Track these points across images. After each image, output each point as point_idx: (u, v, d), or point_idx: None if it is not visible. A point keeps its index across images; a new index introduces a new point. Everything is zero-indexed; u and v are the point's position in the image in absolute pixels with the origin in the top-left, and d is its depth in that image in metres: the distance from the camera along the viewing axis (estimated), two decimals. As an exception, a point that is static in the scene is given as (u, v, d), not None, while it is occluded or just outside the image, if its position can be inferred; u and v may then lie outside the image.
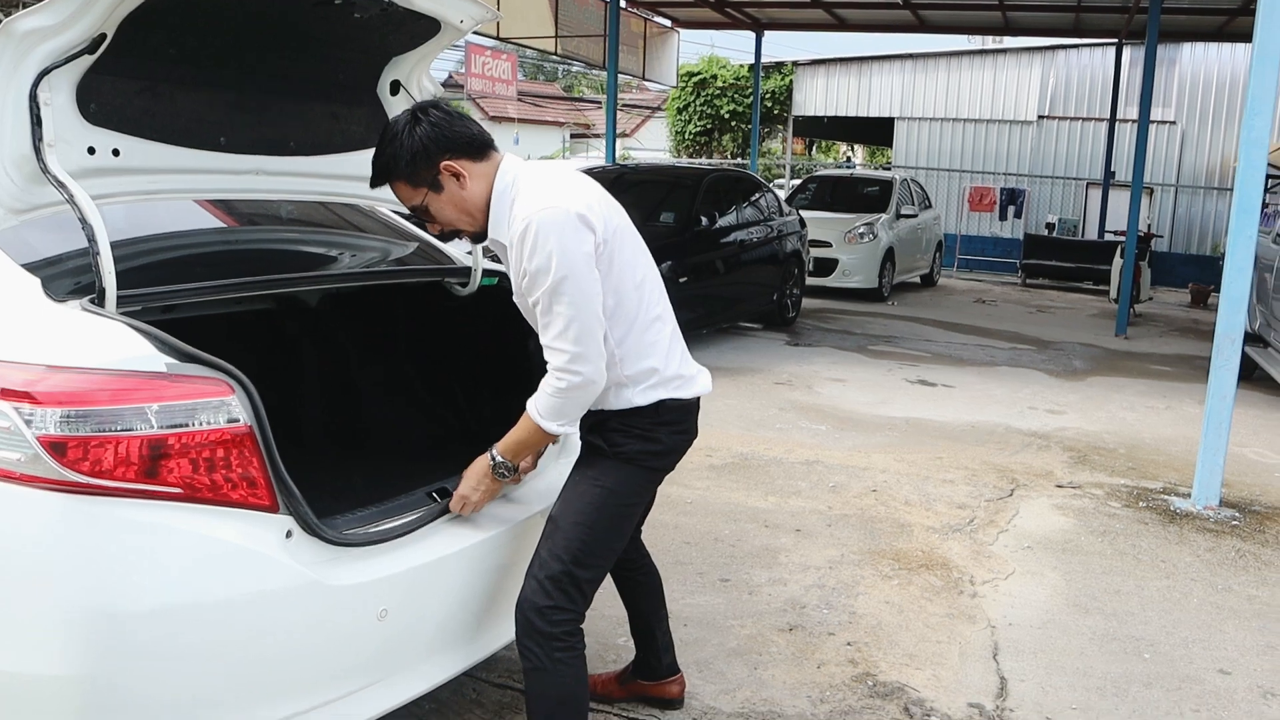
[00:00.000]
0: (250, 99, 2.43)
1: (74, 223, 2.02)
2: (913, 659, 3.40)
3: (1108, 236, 16.44)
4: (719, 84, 23.16)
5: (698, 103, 23.24)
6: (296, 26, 2.36)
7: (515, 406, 2.70)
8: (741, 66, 23.13)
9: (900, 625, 3.65)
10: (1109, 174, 17.10)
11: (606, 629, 3.34)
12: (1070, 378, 8.81)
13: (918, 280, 15.61)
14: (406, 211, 2.87)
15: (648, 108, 35.12)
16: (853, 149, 31.27)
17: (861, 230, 13.18)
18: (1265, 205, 16.24)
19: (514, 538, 2.40)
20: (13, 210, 1.98)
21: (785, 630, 3.55)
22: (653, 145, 25.74)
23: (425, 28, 2.51)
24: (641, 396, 2.27)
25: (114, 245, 2.28)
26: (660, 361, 2.29)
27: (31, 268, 1.99)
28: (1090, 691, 3.26)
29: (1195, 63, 17.97)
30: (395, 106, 2.78)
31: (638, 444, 2.29)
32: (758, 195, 10.62)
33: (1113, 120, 16.91)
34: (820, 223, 12.67)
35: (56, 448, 1.68)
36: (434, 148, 2.16)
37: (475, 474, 2.35)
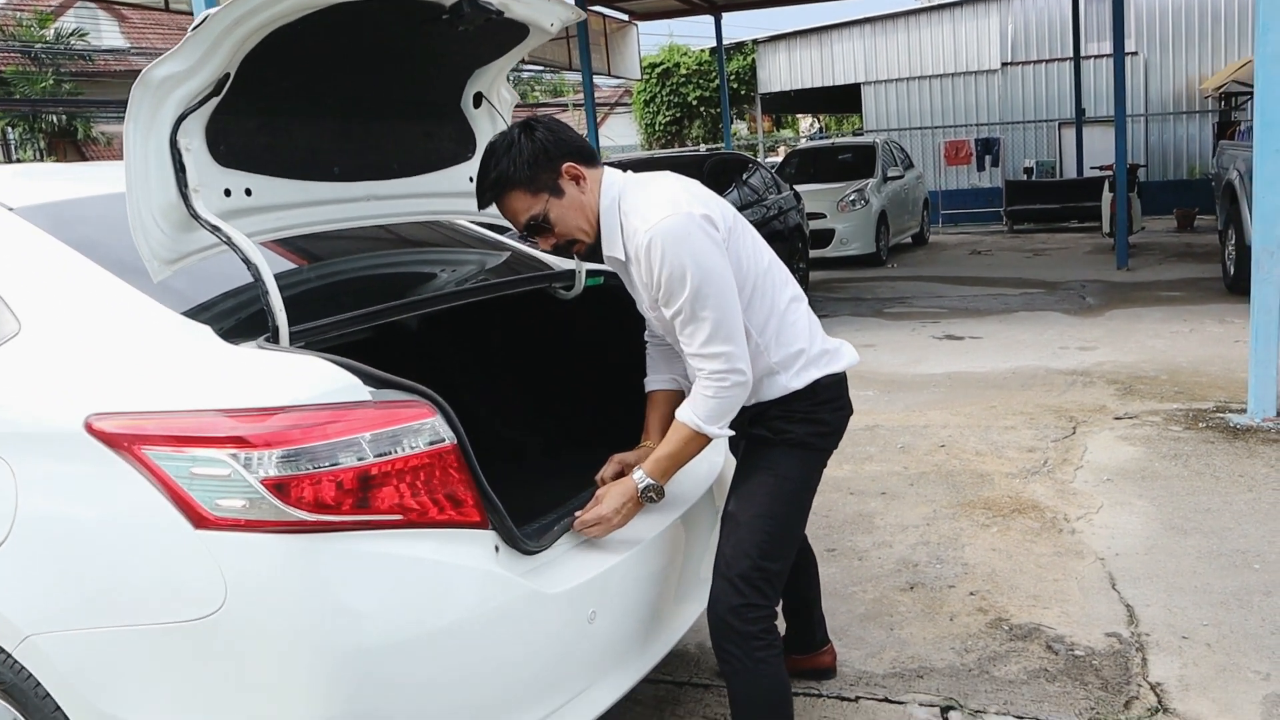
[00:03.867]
0: (354, 125, 2.43)
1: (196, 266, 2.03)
2: (1037, 599, 3.44)
3: (1091, 173, 16.53)
4: (683, 72, 23.19)
5: (664, 93, 23.27)
6: (392, 47, 2.36)
7: (624, 405, 2.71)
8: (703, 51, 23.16)
9: (1014, 569, 3.68)
10: (1080, 111, 17.21)
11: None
12: (1088, 314, 8.88)
13: (910, 240, 15.69)
14: (506, 225, 2.89)
15: (604, 104, 35.08)
16: (818, 119, 31.35)
17: (853, 197, 13.23)
18: (1238, 124, 16.43)
19: (687, 524, 2.40)
20: (165, 261, 1.97)
21: (906, 589, 3.58)
22: (622, 140, 25.76)
23: (513, 34, 2.51)
24: (796, 380, 2.27)
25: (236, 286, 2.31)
26: (805, 341, 2.30)
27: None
28: (1215, 607, 3.30)
29: (1149, -8, 18.13)
30: (479, 119, 2.79)
31: (803, 427, 2.29)
32: (754, 174, 10.65)
33: (1077, 58, 17.01)
34: (811, 195, 12.68)
35: (279, 489, 1.67)
36: (555, 150, 2.15)
37: (619, 495, 2.21)
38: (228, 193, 2.08)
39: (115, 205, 2.41)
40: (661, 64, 23.44)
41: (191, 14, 10.38)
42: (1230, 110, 17.57)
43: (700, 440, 2.22)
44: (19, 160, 20.73)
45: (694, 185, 2.25)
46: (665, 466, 2.24)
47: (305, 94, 2.26)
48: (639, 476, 2.22)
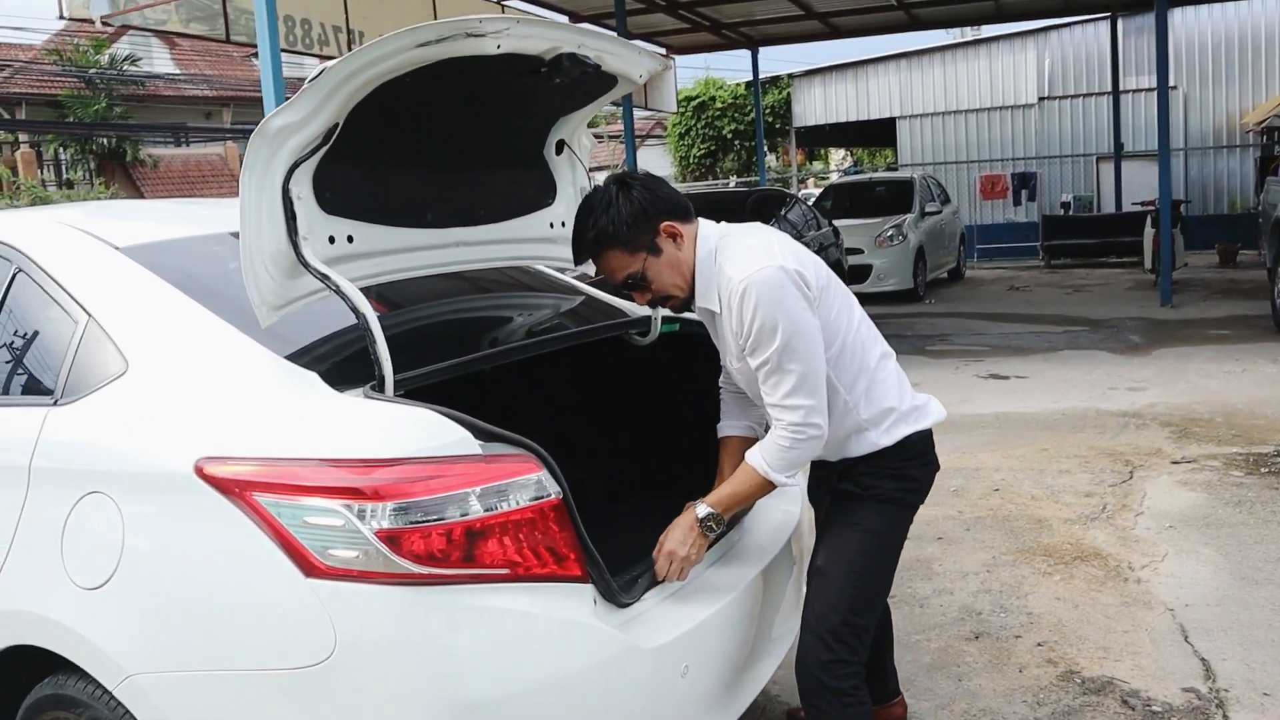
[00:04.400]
0: (447, 173, 2.46)
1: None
2: (1107, 651, 3.39)
3: (1131, 208, 16.43)
4: (718, 105, 23.30)
5: (699, 126, 23.38)
6: (486, 98, 2.39)
7: (694, 453, 2.71)
8: (739, 85, 23.28)
9: (1080, 619, 3.63)
10: (1119, 146, 17.14)
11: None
12: (1135, 353, 8.80)
13: (946, 275, 15.63)
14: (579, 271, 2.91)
15: (637, 135, 35.27)
16: (851, 153, 31.40)
17: (890, 233, 13.22)
18: (1280, 159, 16.30)
19: (766, 577, 2.39)
20: (273, 307, 2.00)
21: (972, 639, 3.54)
22: (656, 173, 25.85)
23: (601, 84, 2.54)
24: (885, 437, 2.27)
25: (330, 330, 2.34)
26: (895, 399, 2.30)
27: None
28: (1294, 663, 3.24)
29: (1188, 27, 18.08)
30: (560, 166, 2.82)
31: (892, 483, 2.29)
32: (793, 209, 10.68)
33: (1115, 92, 16.98)
34: (849, 230, 12.69)
35: (391, 541, 1.69)
36: (653, 210, 2.18)
37: (682, 529, 2.20)
38: (331, 240, 2.12)
39: (212, 246, 2.48)
40: (697, 97, 23.57)
41: (251, 45, 10.58)
42: (1273, 145, 17.42)
43: (765, 486, 2.23)
44: (69, 180, 21.10)
45: (788, 240, 2.27)
46: (728, 503, 2.24)
47: (404, 143, 2.29)
48: (700, 508, 2.22)
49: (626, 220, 2.16)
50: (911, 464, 2.31)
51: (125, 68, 22.26)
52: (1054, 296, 13.31)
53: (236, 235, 2.48)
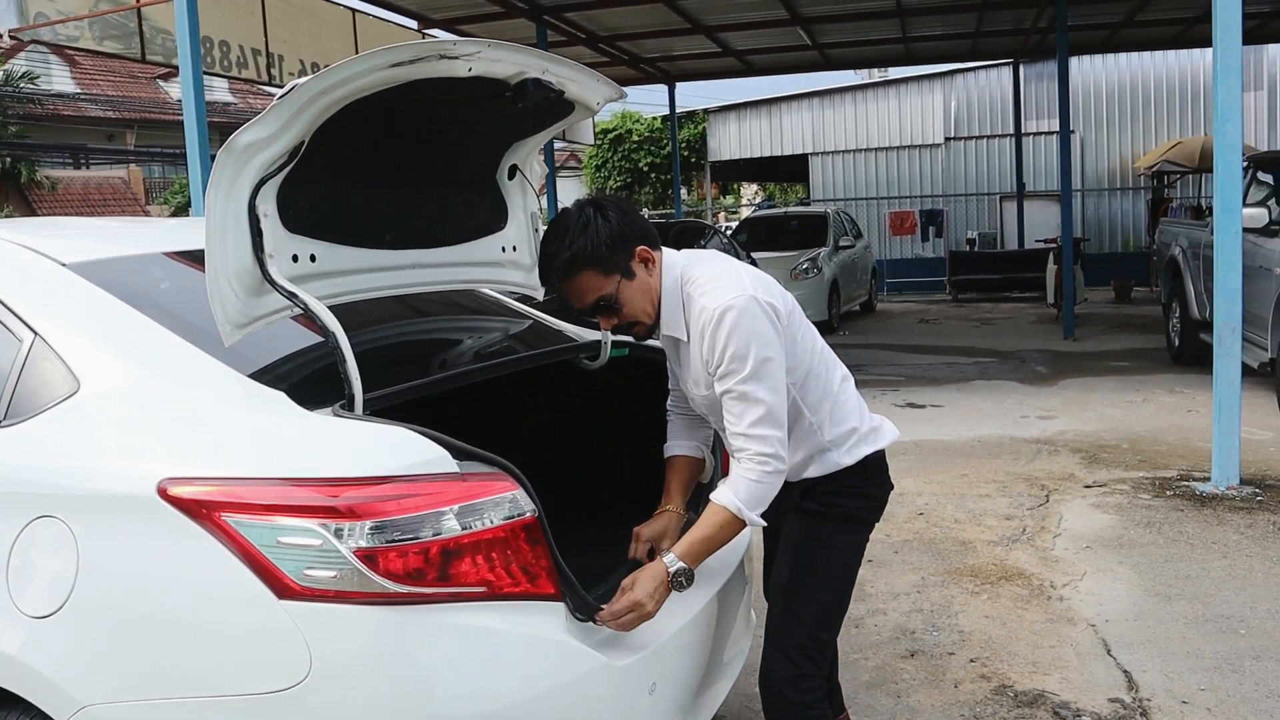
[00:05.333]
0: (405, 194, 2.47)
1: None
2: (1037, 665, 3.51)
3: (1035, 245, 17.11)
4: (635, 138, 23.55)
5: (615, 158, 23.59)
6: (446, 120, 2.41)
7: (643, 474, 2.74)
8: (655, 119, 23.58)
9: (1009, 636, 3.76)
10: (1021, 185, 17.86)
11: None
12: (1043, 383, 9.14)
13: (858, 308, 16.01)
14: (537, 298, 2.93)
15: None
16: (764, 188, 32.02)
17: (806, 266, 13.48)
18: (1170, 200, 17.16)
19: (720, 597, 2.42)
20: (237, 325, 1.98)
21: (908, 656, 3.62)
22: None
23: (558, 111, 2.57)
24: (847, 456, 2.32)
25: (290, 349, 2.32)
26: (857, 420, 2.36)
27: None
28: (1209, 672, 3.40)
29: (1084, 75, 18.96)
30: (512, 191, 2.84)
31: (854, 501, 2.35)
32: (712, 240, 10.84)
33: (1018, 135, 17.71)
34: (765, 262, 12.85)
35: (370, 560, 1.67)
36: (630, 233, 2.19)
37: (651, 580, 2.08)
38: (295, 258, 2.10)
39: (163, 266, 2.43)
40: (614, 130, 23.80)
41: (167, 65, 10.34)
42: (1164, 188, 18.37)
43: (736, 526, 2.18)
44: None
45: (753, 269, 2.31)
46: (698, 551, 2.15)
47: (365, 163, 2.29)
48: (670, 560, 2.12)
49: (605, 241, 2.15)
50: (871, 483, 2.37)
51: (23, 85, 21.49)
52: (962, 329, 13.74)
53: (182, 255, 2.48)
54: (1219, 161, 5.29)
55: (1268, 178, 8.06)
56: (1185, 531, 4.82)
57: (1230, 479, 5.41)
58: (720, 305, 2.13)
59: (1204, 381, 6.05)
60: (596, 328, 2.83)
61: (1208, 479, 5.56)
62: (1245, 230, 5.96)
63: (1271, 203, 7.65)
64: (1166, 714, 3.15)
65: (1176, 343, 9.65)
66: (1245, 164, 8.23)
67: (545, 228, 2.30)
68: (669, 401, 2.63)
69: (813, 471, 2.32)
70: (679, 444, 2.57)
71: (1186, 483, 5.61)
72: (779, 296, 2.25)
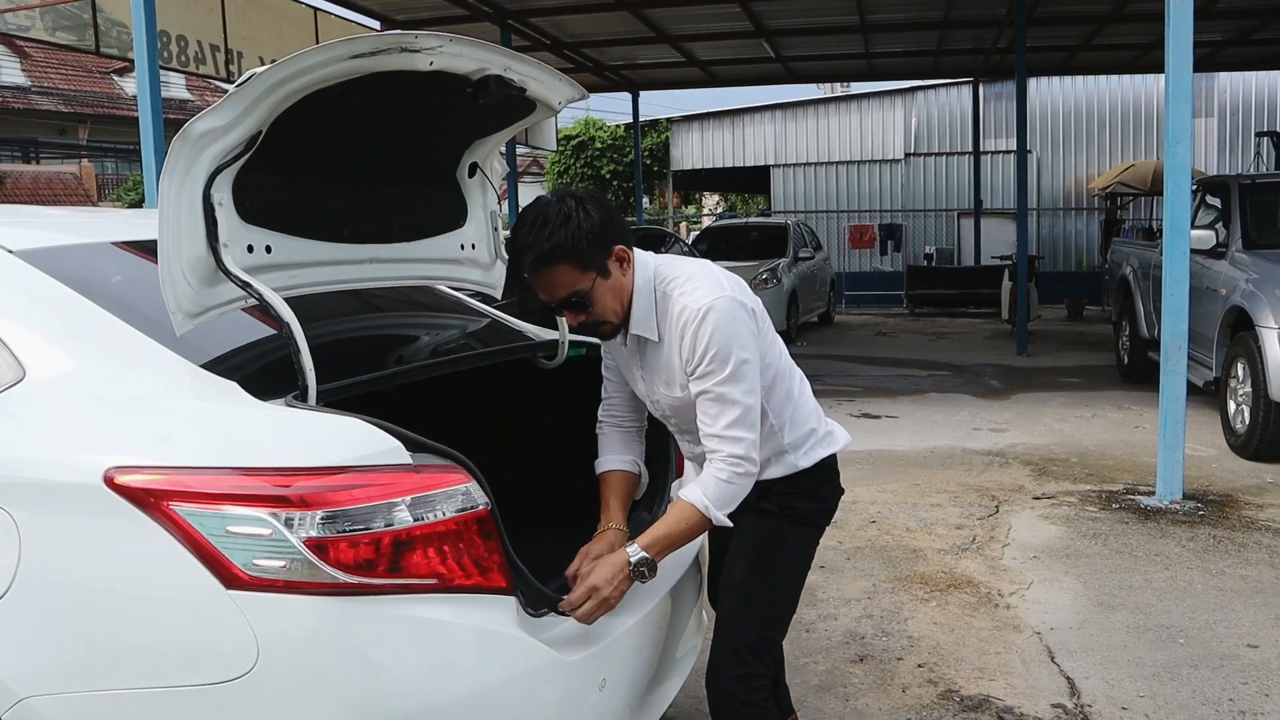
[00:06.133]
0: (363, 189, 2.46)
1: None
2: (983, 671, 3.56)
3: (991, 261, 17.37)
4: (598, 145, 23.58)
5: (577, 165, 23.59)
6: (406, 115, 2.41)
7: (591, 474, 2.71)
8: (618, 127, 23.63)
9: (957, 642, 3.81)
10: (979, 203, 18.13)
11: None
12: (995, 397, 9.28)
13: (816, 320, 16.14)
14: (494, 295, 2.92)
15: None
16: (725, 198, 32.18)
17: (765, 276, 13.56)
18: (1123, 221, 17.52)
19: (674, 597, 2.43)
20: (189, 314, 1.96)
21: (857, 661, 3.66)
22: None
23: (520, 110, 2.58)
24: (805, 459, 2.34)
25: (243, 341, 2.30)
26: (816, 421, 2.38)
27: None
28: (1149, 679, 3.47)
29: (1042, 96, 19.32)
30: (472, 188, 2.84)
31: (809, 504, 2.37)
32: (673, 248, 10.88)
33: (976, 152, 18.00)
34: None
35: (320, 550, 1.66)
36: (610, 230, 2.15)
37: (611, 568, 2.09)
38: (250, 249, 2.08)
39: (114, 255, 2.40)
40: (577, 136, 23.82)
41: (123, 59, 10.18)
42: (1116, 209, 18.74)
43: (702, 525, 2.18)
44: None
45: (727, 272, 2.28)
46: (662, 544, 2.15)
47: (324, 156, 2.28)
48: (633, 550, 2.12)
49: (586, 237, 2.10)
50: (825, 486, 2.40)
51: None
52: (918, 342, 13.91)
53: (132, 245, 2.45)
54: (1169, 182, 5.42)
55: (1216, 201, 8.25)
56: (1129, 543, 4.91)
57: (1174, 493, 5.53)
58: (704, 305, 2.12)
59: (1151, 399, 6.18)
60: (554, 326, 2.83)
61: (1152, 493, 5.67)
62: (1193, 251, 6.12)
63: (1219, 226, 7.83)
64: None
65: (1126, 360, 9.83)
66: (1194, 187, 8.44)
67: (521, 214, 2.21)
68: (601, 411, 2.55)
69: (771, 473, 2.34)
70: (615, 458, 2.48)
71: (1132, 496, 5.72)
72: (751, 299, 2.25)
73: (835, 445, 2.42)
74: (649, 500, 2.64)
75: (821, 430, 2.40)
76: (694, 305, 2.14)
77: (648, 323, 2.22)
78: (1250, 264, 7.06)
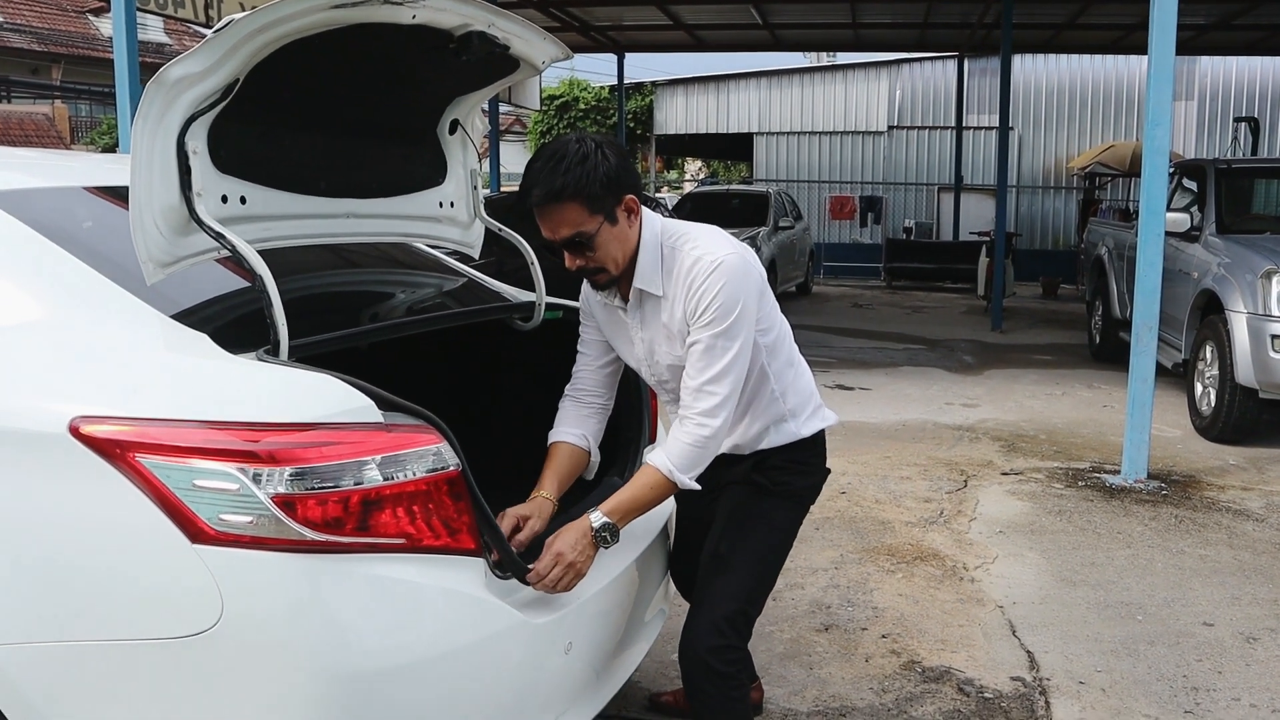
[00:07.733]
0: (342, 143, 2.42)
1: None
2: (945, 643, 3.61)
3: (969, 237, 17.41)
4: (581, 106, 23.37)
5: (561, 126, 23.37)
6: (386, 70, 2.36)
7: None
8: (603, 89, 23.40)
9: (921, 614, 3.85)
10: (959, 178, 18.15)
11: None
12: (968, 372, 9.34)
13: (794, 289, 16.14)
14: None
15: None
16: (708, 164, 32.05)
17: (745, 244, 13.54)
18: (1100, 201, 17.59)
19: (640, 564, 2.44)
20: (160, 264, 1.92)
21: (822, 630, 3.70)
22: (515, 169, 25.73)
23: (503, 68, 2.54)
24: (805, 427, 2.35)
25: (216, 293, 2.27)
26: (815, 388, 2.41)
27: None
28: (1106, 655, 3.53)
29: (1026, 73, 19.29)
30: (452, 146, 2.80)
31: (802, 479, 2.39)
32: (659, 213, 10.82)
33: (959, 128, 17.97)
34: (707, 238, 12.94)
35: (288, 506, 1.65)
36: (624, 178, 2.14)
37: (574, 535, 2.09)
38: (224, 199, 2.05)
39: (84, 200, 2.35)
40: (561, 97, 23.58)
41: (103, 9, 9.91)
42: (1095, 189, 18.81)
43: (667, 489, 2.18)
44: None
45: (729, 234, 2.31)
46: (626, 509, 2.15)
47: (303, 107, 2.24)
48: (595, 516, 2.11)
49: (601, 180, 2.09)
50: (818, 459, 2.43)
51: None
52: (895, 315, 13.96)
53: (104, 190, 2.40)
54: (1147, 164, 5.44)
55: (1192, 184, 8.30)
56: (1093, 521, 4.98)
57: (1139, 473, 5.60)
58: (719, 257, 2.14)
59: (1121, 379, 6.24)
60: (532, 287, 2.80)
61: (1118, 472, 5.75)
62: (1168, 234, 6.16)
63: (1194, 209, 7.88)
64: (1064, 693, 3.26)
65: (1097, 340, 9.92)
66: (1172, 170, 8.47)
67: (539, 149, 2.17)
68: (568, 386, 2.53)
69: (768, 442, 2.34)
70: (568, 430, 2.45)
71: (1098, 474, 5.80)
72: (759, 263, 2.27)
73: (829, 419, 2.44)
74: (621, 465, 2.64)
75: (816, 400, 2.42)
76: (708, 257, 2.16)
77: (653, 278, 2.22)
78: (1223, 248, 7.12)
